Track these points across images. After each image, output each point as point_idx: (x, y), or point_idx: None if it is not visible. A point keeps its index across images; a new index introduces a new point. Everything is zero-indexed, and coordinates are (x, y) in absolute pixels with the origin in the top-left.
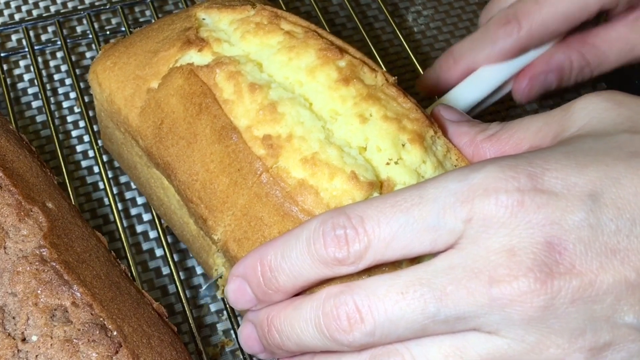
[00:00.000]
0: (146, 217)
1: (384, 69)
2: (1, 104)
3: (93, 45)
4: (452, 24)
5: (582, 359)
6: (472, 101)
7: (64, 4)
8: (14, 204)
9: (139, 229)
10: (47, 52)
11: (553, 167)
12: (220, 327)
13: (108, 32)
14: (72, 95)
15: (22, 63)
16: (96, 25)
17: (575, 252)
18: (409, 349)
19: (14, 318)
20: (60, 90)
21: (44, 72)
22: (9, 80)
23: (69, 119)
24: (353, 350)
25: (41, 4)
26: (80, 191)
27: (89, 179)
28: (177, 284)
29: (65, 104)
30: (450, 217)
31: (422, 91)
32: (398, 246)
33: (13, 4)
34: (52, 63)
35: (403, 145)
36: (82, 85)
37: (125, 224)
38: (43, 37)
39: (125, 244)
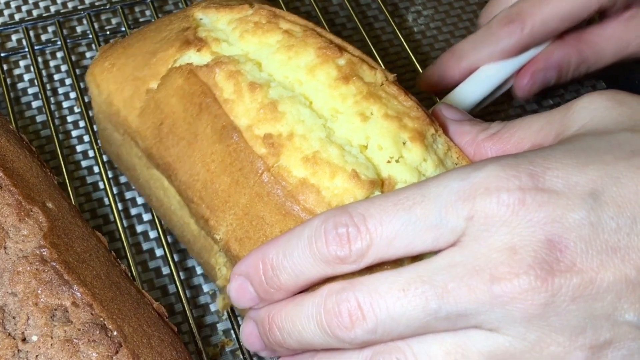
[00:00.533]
0: (146, 217)
1: (384, 67)
2: (1, 104)
3: (93, 45)
4: (452, 24)
5: (583, 356)
6: (476, 99)
7: (64, 4)
8: (14, 204)
9: (139, 229)
10: (47, 52)
11: (554, 165)
12: (220, 327)
13: (108, 32)
14: (72, 95)
15: (22, 63)
16: (96, 25)
17: (576, 250)
18: (411, 346)
19: (14, 318)
20: (60, 90)
21: (44, 72)
22: (9, 80)
23: (69, 119)
24: (354, 348)
25: (41, 4)
26: (80, 191)
27: (89, 179)
28: (177, 284)
29: (65, 104)
30: (452, 215)
31: (423, 88)
32: (400, 244)
33: (13, 4)
34: (52, 63)
35: (404, 144)
36: (82, 85)
37: (125, 224)
38: (43, 37)
39: (125, 244)
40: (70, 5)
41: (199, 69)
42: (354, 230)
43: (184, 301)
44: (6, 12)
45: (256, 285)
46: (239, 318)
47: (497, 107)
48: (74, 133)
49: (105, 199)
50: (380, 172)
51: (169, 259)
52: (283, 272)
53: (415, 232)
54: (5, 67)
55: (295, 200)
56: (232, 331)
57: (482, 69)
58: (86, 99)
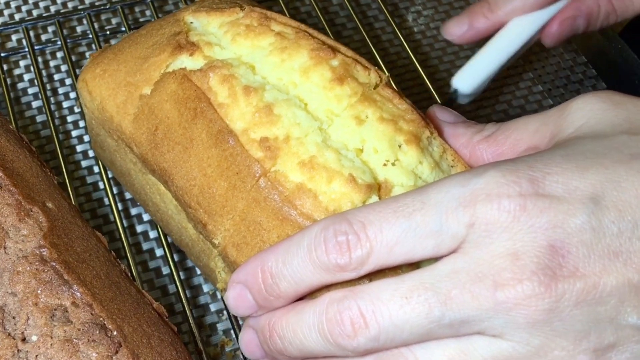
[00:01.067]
0: (146, 217)
1: (384, 68)
2: (1, 104)
3: (93, 45)
4: None
5: None
6: (510, 54)
7: (64, 4)
8: (14, 204)
9: (139, 229)
10: (47, 52)
11: (553, 170)
12: (220, 327)
13: (108, 32)
14: (72, 95)
15: (22, 63)
16: (96, 25)
17: (578, 255)
18: (414, 352)
19: (14, 318)
20: (60, 90)
21: (44, 72)
22: (9, 80)
23: (69, 119)
24: (357, 355)
25: (41, 4)
26: (80, 191)
27: (89, 179)
28: (177, 284)
29: (65, 104)
30: (453, 222)
31: (448, 37)
32: (401, 251)
33: (13, 4)
34: (52, 63)
35: (399, 147)
36: None
37: (125, 224)
38: (43, 37)
39: (125, 244)
40: (70, 5)
41: (192, 74)
42: (353, 238)
43: (184, 301)
44: (6, 12)
45: (255, 293)
46: (239, 318)
47: (499, 114)
48: (74, 133)
49: (105, 199)
50: (377, 176)
51: (169, 259)
52: (283, 280)
53: (415, 238)
54: (5, 67)
55: (293, 206)
56: (232, 331)
57: (513, 22)
58: None
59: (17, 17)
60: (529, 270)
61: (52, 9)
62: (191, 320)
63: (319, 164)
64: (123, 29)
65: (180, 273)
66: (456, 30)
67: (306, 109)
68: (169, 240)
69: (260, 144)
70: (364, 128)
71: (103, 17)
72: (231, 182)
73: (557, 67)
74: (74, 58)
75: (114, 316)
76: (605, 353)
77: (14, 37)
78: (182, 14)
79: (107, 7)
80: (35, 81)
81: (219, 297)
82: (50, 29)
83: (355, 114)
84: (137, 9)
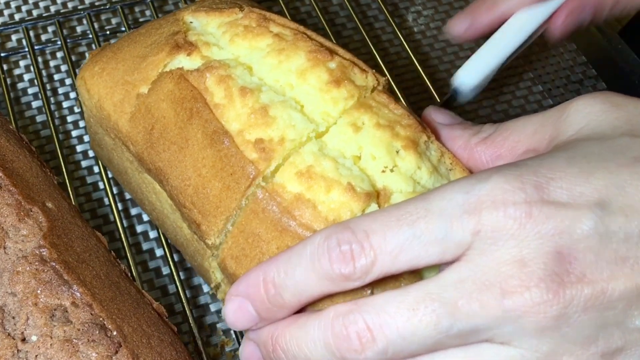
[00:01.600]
0: (146, 217)
1: (384, 69)
2: (1, 104)
3: (93, 45)
4: None
5: None
6: (513, 48)
7: (64, 4)
8: (14, 204)
9: (139, 229)
10: (47, 52)
11: (557, 175)
12: (220, 327)
13: (108, 32)
14: (72, 95)
15: (22, 63)
16: (96, 25)
17: (585, 261)
18: None
19: (13, 318)
20: (60, 90)
21: (44, 72)
22: (9, 80)
23: (69, 119)
24: None
25: (41, 4)
26: (80, 191)
27: (89, 179)
28: (177, 284)
29: (65, 104)
30: (458, 229)
31: (453, 35)
32: (405, 259)
33: (13, 4)
34: (52, 63)
35: (397, 152)
36: None
37: (125, 224)
38: (43, 37)
39: (125, 244)
40: (70, 5)
41: (189, 74)
42: (357, 247)
43: (184, 301)
44: (6, 12)
45: (257, 305)
46: None
47: (502, 107)
48: (74, 133)
49: (105, 199)
50: (375, 183)
51: (169, 259)
52: (286, 291)
53: (420, 246)
54: (5, 67)
55: (291, 216)
56: (232, 331)
57: (516, 16)
58: None
59: (17, 17)
60: (536, 277)
61: (52, 9)
62: (191, 320)
63: (317, 173)
64: (123, 29)
65: (180, 273)
66: (458, 27)
67: (302, 111)
68: (169, 240)
69: (255, 146)
70: (361, 135)
71: (103, 17)
72: (225, 182)
73: (557, 67)
74: (74, 58)
75: (114, 316)
76: (613, 357)
77: (14, 37)
78: (182, 14)
79: (107, 7)
80: (35, 81)
81: (219, 297)
82: (50, 29)
83: (352, 121)
84: (137, 9)
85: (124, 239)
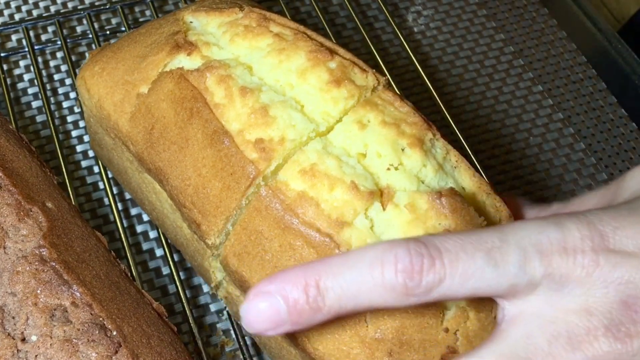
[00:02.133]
0: (146, 217)
1: (384, 69)
2: (1, 104)
3: (93, 45)
4: (452, 24)
5: None
6: None
7: (64, 4)
8: (14, 204)
9: (139, 229)
10: (47, 52)
11: (622, 225)
12: (220, 327)
13: (108, 32)
14: (72, 95)
15: (22, 63)
16: (96, 25)
17: None
18: None
19: (13, 318)
20: (60, 90)
21: (44, 72)
22: (9, 80)
23: (69, 119)
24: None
25: (41, 4)
26: (80, 191)
27: (89, 179)
28: (177, 284)
29: (65, 104)
30: (531, 269)
31: None
32: (473, 286)
33: (13, 4)
34: (52, 63)
35: (403, 150)
36: None
37: (125, 224)
38: (43, 37)
39: (125, 244)
40: (70, 5)
41: (189, 74)
42: (428, 261)
43: (184, 301)
44: (6, 12)
45: (291, 304)
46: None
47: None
48: (74, 133)
49: (105, 199)
50: (379, 181)
51: (169, 259)
52: (330, 292)
53: (493, 275)
54: (5, 67)
55: (294, 214)
56: (232, 331)
57: None
58: None
59: (17, 17)
60: (602, 326)
61: (52, 9)
62: (191, 320)
63: (320, 171)
64: (123, 29)
65: (180, 273)
66: None
67: (302, 111)
68: (169, 240)
69: (255, 145)
70: (367, 132)
71: (103, 17)
72: (225, 182)
73: (557, 67)
74: (74, 58)
75: (114, 316)
76: None
77: (14, 37)
78: (182, 14)
79: (107, 7)
80: (35, 81)
81: (219, 297)
82: (50, 29)
83: (357, 119)
84: (137, 9)
85: (124, 239)
